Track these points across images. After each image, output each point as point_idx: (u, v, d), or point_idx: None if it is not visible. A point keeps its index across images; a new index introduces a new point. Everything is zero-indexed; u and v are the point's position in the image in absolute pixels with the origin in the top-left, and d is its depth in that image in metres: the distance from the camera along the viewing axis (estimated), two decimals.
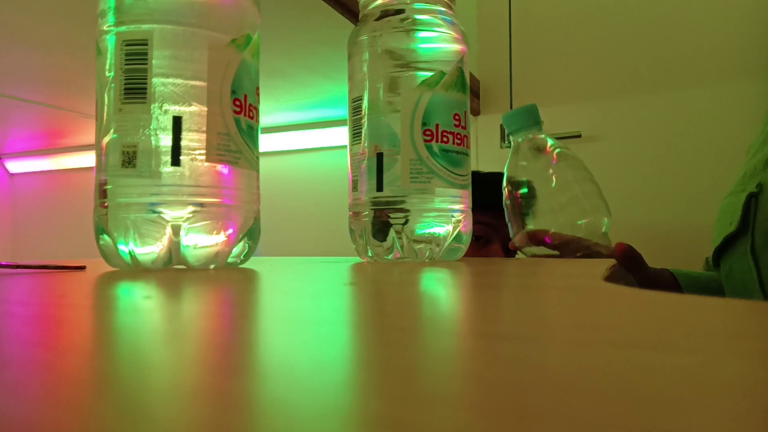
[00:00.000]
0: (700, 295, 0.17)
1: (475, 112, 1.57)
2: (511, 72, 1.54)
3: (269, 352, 0.10)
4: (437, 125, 0.38)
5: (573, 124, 1.42)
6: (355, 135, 0.40)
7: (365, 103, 0.39)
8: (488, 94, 1.56)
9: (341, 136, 1.63)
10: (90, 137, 1.73)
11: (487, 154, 1.57)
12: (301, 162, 1.85)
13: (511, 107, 1.52)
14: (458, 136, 0.39)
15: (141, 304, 0.17)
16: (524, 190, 0.51)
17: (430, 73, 0.38)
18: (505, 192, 0.53)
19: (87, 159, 1.85)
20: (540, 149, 0.52)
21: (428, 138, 0.38)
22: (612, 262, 0.34)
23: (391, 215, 0.38)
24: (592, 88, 1.44)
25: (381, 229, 0.39)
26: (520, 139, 0.53)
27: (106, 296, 0.20)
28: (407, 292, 0.20)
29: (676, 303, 0.16)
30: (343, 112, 1.64)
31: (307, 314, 0.14)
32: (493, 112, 1.55)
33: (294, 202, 1.83)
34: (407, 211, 0.38)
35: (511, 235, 0.54)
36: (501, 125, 1.54)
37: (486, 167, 1.23)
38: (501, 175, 1.02)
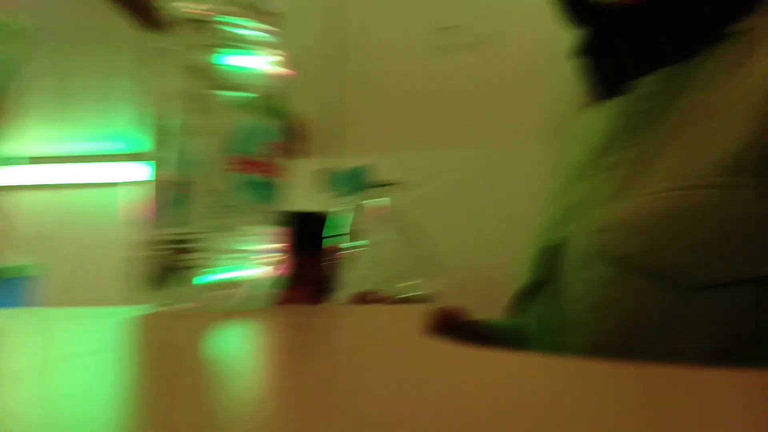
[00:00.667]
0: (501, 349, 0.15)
1: (302, 156, 1.55)
2: (341, 117, 1.56)
3: None
4: (243, 154, 0.33)
5: (394, 172, 1.46)
6: (150, 161, 0.34)
7: (163, 124, 0.33)
8: (315, 137, 1.56)
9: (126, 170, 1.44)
10: None
11: (313, 197, 1.54)
12: (86, 197, 1.65)
13: (341, 152, 1.53)
14: (267, 167, 0.35)
15: None
16: (354, 250, 0.49)
17: (241, 95, 0.33)
18: (334, 253, 0.50)
19: None
20: (369, 210, 0.50)
21: (235, 167, 0.33)
22: (427, 307, 0.32)
23: (186, 255, 0.32)
24: (414, 139, 1.52)
25: (172, 271, 0.32)
26: (350, 202, 0.50)
27: None
28: (185, 357, 0.15)
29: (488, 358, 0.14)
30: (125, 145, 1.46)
31: None
32: (320, 155, 1.55)
33: (84, 241, 1.61)
34: (205, 250, 0.32)
35: (338, 292, 0.51)
36: (326, 170, 1.54)
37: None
38: (313, 214, 0.99)
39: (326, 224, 0.52)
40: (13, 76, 0.26)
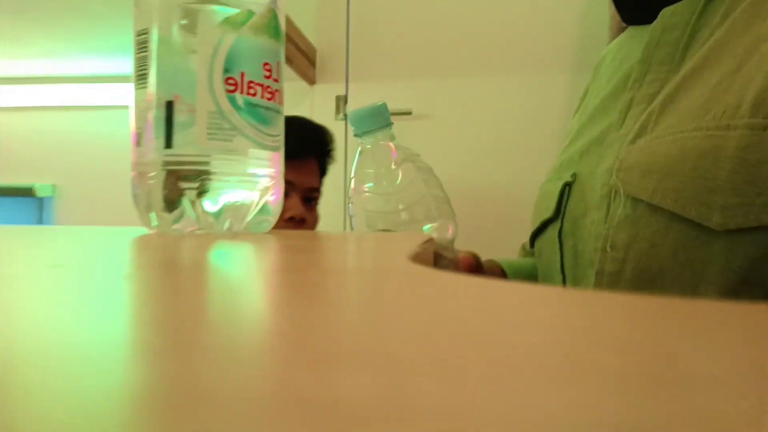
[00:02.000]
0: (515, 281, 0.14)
1: (311, 81, 1.52)
2: (348, 43, 1.51)
3: None
4: (243, 74, 0.32)
5: (404, 102, 1.43)
6: (140, 77, 0.33)
7: (153, 38, 0.32)
8: (324, 63, 1.52)
9: None
10: None
11: (323, 124, 1.52)
12: (109, 118, 1.63)
13: (347, 79, 1.50)
14: (269, 90, 0.34)
15: None
16: (369, 195, 0.46)
17: (234, 10, 0.32)
18: (351, 194, 0.48)
19: None
20: (389, 153, 0.47)
21: (231, 88, 0.32)
22: (426, 237, 0.31)
23: (184, 177, 0.32)
24: (423, 66, 1.47)
25: (171, 193, 0.32)
26: (369, 145, 0.47)
27: None
28: (185, 273, 0.15)
29: (486, 287, 0.13)
30: None
31: None
32: (330, 82, 1.51)
33: (97, 163, 1.61)
34: (203, 173, 0.32)
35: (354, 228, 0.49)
36: (337, 97, 1.51)
37: None
38: (302, 119, 0.96)
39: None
40: None
